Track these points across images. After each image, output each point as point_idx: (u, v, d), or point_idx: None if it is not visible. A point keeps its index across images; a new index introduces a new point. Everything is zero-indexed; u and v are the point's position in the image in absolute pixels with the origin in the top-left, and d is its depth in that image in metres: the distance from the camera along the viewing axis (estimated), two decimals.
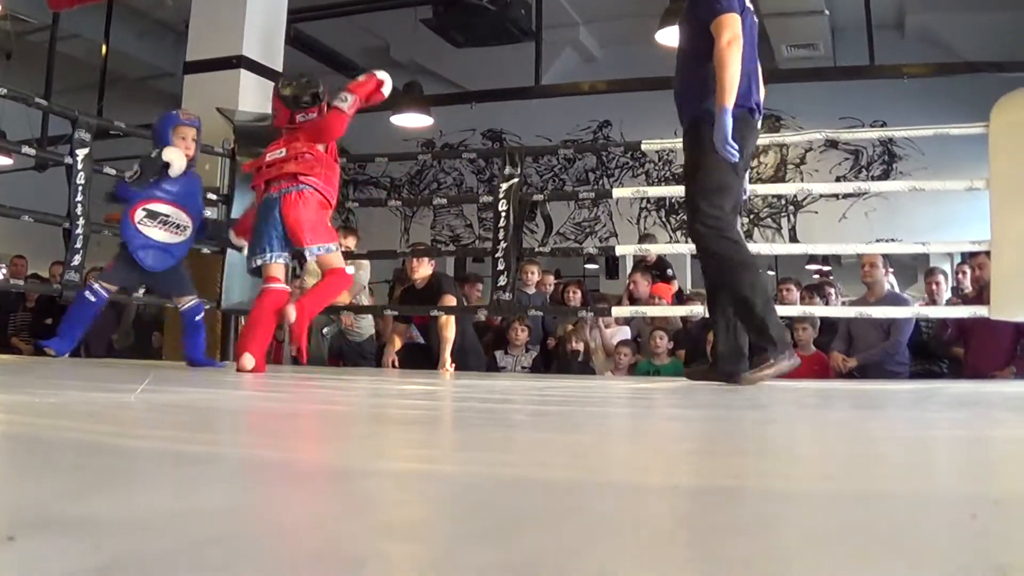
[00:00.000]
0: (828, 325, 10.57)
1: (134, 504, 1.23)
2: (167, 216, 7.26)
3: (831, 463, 2.08)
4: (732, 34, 6.13)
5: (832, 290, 11.18)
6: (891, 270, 10.13)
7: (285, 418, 3.15)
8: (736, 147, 6.16)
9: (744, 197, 6.81)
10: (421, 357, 9.99)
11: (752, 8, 6.75)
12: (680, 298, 12.48)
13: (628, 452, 2.31)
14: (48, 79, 14.11)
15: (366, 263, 10.71)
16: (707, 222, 6.27)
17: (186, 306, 7.57)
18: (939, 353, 10.20)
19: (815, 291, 10.84)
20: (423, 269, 9.83)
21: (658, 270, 12.61)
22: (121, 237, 7.27)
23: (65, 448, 1.96)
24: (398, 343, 10.16)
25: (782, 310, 9.97)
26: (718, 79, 6.14)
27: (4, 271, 15.46)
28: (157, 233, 7.24)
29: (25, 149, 8.99)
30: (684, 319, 11.17)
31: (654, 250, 12.21)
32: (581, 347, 10.89)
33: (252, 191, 7.42)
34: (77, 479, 1.46)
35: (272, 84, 9.18)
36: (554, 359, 11.28)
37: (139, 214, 7.18)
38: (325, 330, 10.63)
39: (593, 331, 11.23)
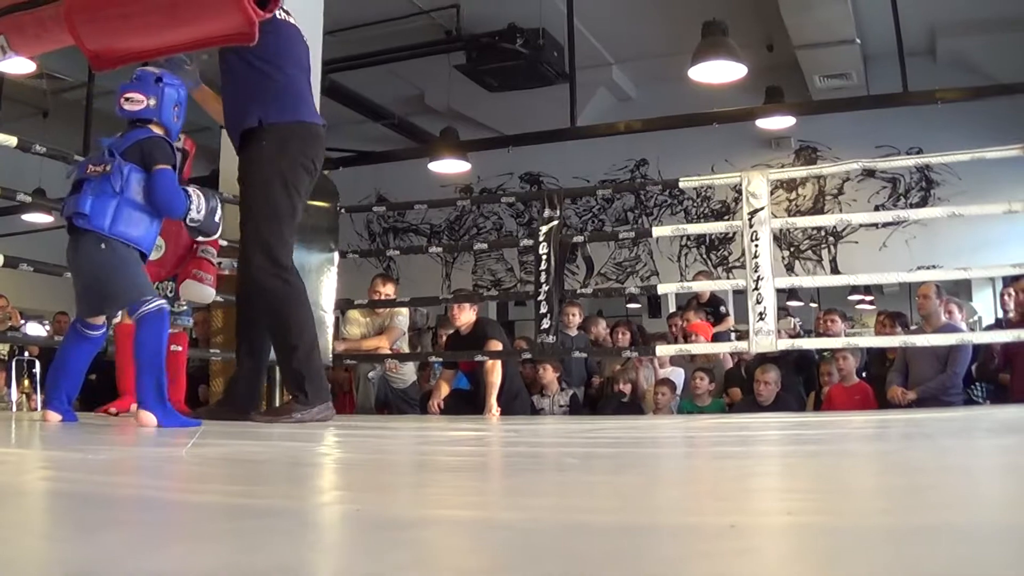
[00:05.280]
0: (877, 353, 10.55)
1: (198, 561, 1.24)
2: None
3: (886, 496, 2.08)
4: None
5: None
6: (946, 299, 9.99)
7: (337, 468, 3.16)
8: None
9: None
10: (466, 403, 9.98)
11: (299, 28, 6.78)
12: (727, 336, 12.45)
13: (681, 493, 2.31)
14: (86, 136, 14.16)
15: (405, 310, 10.74)
16: (262, 255, 6.28)
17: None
18: (987, 379, 10.12)
19: (895, 319, 10.76)
20: (464, 315, 9.82)
21: (711, 307, 12.57)
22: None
23: (123, 504, 1.97)
24: (445, 389, 10.16)
25: (826, 341, 9.96)
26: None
27: (48, 328, 15.52)
28: None
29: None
30: (736, 356, 11.14)
31: (695, 287, 12.18)
32: (628, 388, 10.88)
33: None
34: (138, 536, 1.48)
35: None
36: (600, 399, 11.27)
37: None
38: (371, 374, 10.64)
39: (647, 371, 11.21)
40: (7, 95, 16.64)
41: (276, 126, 6.34)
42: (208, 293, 7.33)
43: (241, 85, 6.44)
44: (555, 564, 1.18)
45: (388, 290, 10.47)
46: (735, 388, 10.91)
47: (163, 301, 5.61)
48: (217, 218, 5.90)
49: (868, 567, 1.16)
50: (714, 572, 1.15)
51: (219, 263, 7.56)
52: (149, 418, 5.37)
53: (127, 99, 5.84)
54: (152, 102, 5.81)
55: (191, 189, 5.80)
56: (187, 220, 5.81)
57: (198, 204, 5.78)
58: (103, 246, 5.53)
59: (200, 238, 6.80)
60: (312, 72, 9.34)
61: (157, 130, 5.80)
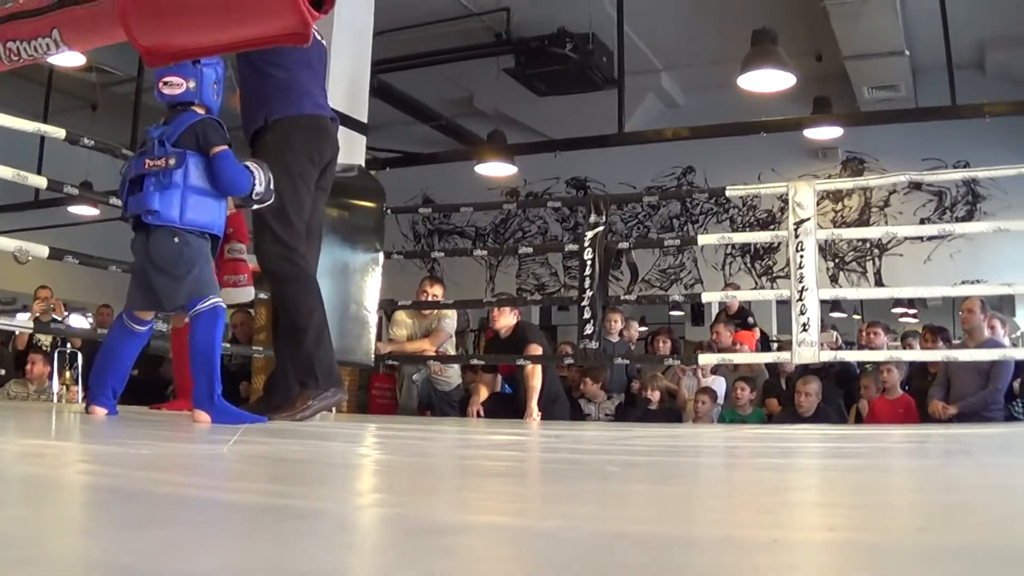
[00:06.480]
0: (919, 366, 10.52)
1: (237, 563, 1.24)
2: None
3: (926, 514, 2.07)
4: None
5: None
6: (989, 314, 9.94)
7: (377, 471, 3.16)
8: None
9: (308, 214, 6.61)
10: (506, 406, 9.97)
11: (321, 37, 6.78)
12: (766, 344, 12.42)
13: (722, 505, 2.30)
14: (134, 130, 14.17)
15: (452, 312, 10.76)
16: (272, 241, 6.31)
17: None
18: None
19: (938, 334, 10.66)
20: (504, 319, 9.83)
21: (739, 319, 12.59)
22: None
23: (163, 502, 1.97)
24: (484, 393, 10.15)
25: (869, 354, 9.94)
26: None
27: (91, 320, 15.60)
28: None
29: (112, 200, 9.05)
30: (771, 366, 11.12)
31: (739, 296, 12.18)
32: (656, 396, 10.88)
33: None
34: (178, 535, 1.47)
35: (362, 138, 9.27)
36: (639, 405, 11.27)
37: None
38: (415, 376, 10.66)
39: (689, 379, 11.21)
40: (56, 87, 16.75)
41: (280, 121, 6.39)
42: (247, 293, 7.25)
43: (251, 90, 6.51)
44: None
45: (436, 291, 10.50)
46: (772, 399, 10.89)
47: (219, 299, 5.61)
48: (272, 186, 5.89)
49: None
50: None
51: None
52: (203, 416, 5.38)
53: (165, 83, 5.80)
54: (192, 84, 5.78)
55: (250, 164, 5.77)
56: (252, 195, 5.79)
57: (260, 178, 5.77)
58: (176, 240, 5.53)
59: (253, 208, 6.67)
60: (361, 72, 9.39)
61: (200, 111, 5.79)
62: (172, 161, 5.49)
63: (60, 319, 13.27)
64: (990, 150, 13.14)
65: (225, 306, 5.78)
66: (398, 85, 15.28)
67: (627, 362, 11.26)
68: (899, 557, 1.38)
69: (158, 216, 5.47)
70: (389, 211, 9.92)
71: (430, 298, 10.38)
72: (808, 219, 8.10)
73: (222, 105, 6.07)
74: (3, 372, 12.71)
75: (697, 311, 18.23)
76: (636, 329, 13.14)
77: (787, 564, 1.31)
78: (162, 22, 2.54)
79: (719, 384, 11.18)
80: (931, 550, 1.45)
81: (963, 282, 13.97)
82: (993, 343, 9.51)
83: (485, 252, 17.96)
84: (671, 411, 10.91)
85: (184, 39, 2.55)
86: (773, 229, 15.98)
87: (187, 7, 2.48)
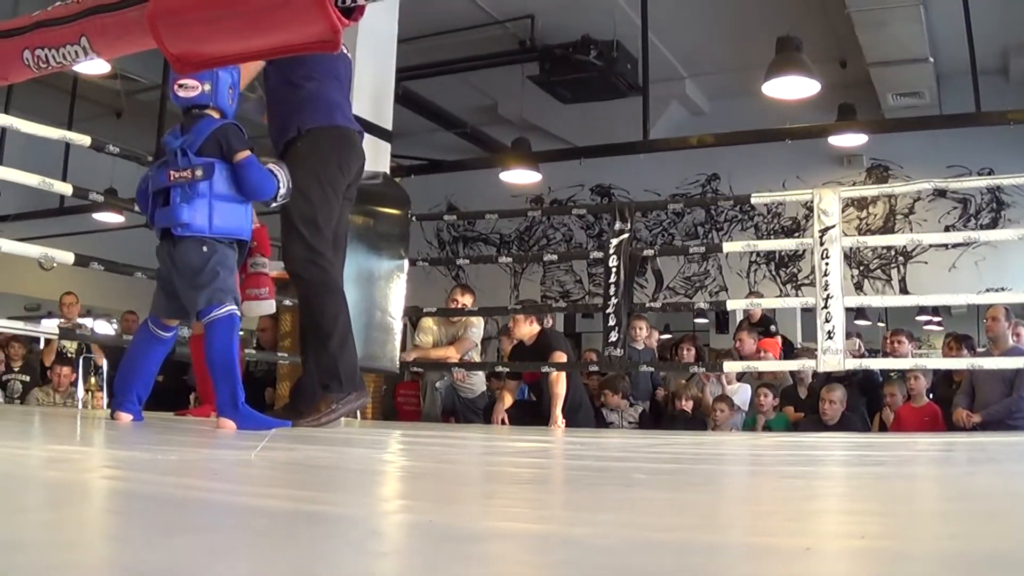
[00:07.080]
0: (943, 375, 10.48)
1: (267, 569, 1.24)
2: None
3: (956, 521, 2.06)
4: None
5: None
6: (1014, 322, 9.89)
7: (403, 477, 3.16)
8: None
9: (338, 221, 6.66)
10: (531, 413, 9.97)
11: (347, 50, 6.93)
12: (789, 352, 12.38)
13: (752, 512, 2.29)
14: (159, 137, 14.16)
15: (479, 320, 10.75)
16: (301, 245, 6.33)
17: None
18: None
19: (962, 342, 10.61)
20: (525, 328, 9.84)
21: (762, 327, 12.55)
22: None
23: (191, 507, 1.97)
24: (508, 400, 10.15)
25: (894, 362, 9.90)
26: None
27: (116, 326, 15.63)
28: None
29: (137, 207, 9.07)
30: (794, 374, 11.08)
31: (764, 304, 12.16)
32: (690, 405, 10.86)
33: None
34: (207, 541, 1.47)
35: (387, 145, 9.29)
36: (664, 412, 11.26)
37: None
38: (438, 383, 10.66)
39: (714, 387, 11.17)
40: (81, 95, 16.78)
41: (312, 131, 6.45)
42: (268, 306, 7.25)
43: (280, 101, 6.56)
44: None
45: (466, 301, 10.52)
46: (789, 407, 10.85)
47: (234, 307, 5.60)
48: (291, 185, 5.88)
49: None
50: None
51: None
52: (227, 424, 5.37)
53: (181, 85, 5.78)
54: (207, 87, 5.76)
55: (273, 167, 5.76)
56: (277, 198, 5.79)
57: (282, 179, 5.76)
58: (204, 249, 5.56)
59: (272, 208, 6.66)
60: (386, 79, 9.40)
61: (215, 115, 5.79)
62: (200, 173, 5.48)
63: (82, 326, 13.31)
64: (1015, 157, 13.10)
65: (240, 315, 5.79)
66: (422, 93, 15.30)
67: (651, 370, 11.24)
68: (930, 565, 1.38)
69: (188, 228, 5.48)
70: (414, 218, 9.92)
71: (459, 307, 10.37)
72: (833, 226, 8.08)
73: (238, 111, 6.07)
74: (28, 378, 12.74)
75: (722, 319, 18.16)
76: (656, 337, 13.13)
77: (822, 573, 1.31)
78: (191, 29, 2.53)
79: (744, 391, 11.15)
80: (961, 557, 1.44)
81: (988, 290, 13.94)
82: (1018, 351, 9.46)
83: (510, 259, 17.97)
84: (696, 419, 10.89)
85: (213, 46, 2.55)
86: (798, 236, 15.95)
87: (216, 15, 2.48)
